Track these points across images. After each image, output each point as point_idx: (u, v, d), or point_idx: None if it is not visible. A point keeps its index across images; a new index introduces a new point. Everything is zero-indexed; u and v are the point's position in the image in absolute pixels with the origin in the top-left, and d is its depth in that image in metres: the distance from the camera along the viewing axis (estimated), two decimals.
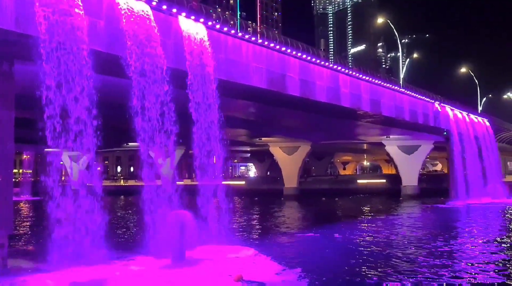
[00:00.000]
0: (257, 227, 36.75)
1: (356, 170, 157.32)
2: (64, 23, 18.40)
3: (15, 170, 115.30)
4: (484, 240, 27.33)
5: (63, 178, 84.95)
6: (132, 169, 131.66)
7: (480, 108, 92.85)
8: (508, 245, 25.94)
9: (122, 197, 79.47)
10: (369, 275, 18.06)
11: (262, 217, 45.07)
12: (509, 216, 43.97)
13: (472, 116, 71.95)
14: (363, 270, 19.15)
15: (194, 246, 20.51)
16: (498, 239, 28.34)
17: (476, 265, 19.91)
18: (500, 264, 20.06)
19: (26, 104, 18.63)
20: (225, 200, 25.26)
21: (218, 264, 19.39)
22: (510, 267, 19.51)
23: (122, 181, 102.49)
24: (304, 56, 36.72)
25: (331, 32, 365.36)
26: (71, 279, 16.30)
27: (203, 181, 25.22)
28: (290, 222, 40.24)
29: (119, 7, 21.78)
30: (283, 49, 34.38)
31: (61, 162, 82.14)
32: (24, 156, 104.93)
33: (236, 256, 21.16)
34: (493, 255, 22.45)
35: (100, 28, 21.48)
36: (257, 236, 29.93)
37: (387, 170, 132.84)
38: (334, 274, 18.25)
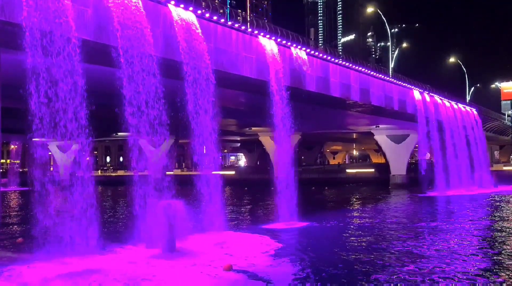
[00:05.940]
0: (247, 216, 36.88)
1: (345, 159, 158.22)
2: (51, 11, 18.11)
3: (2, 160, 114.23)
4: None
5: (51, 168, 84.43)
6: (121, 159, 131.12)
7: (468, 98, 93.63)
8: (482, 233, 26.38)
9: (112, 187, 79.11)
10: (359, 265, 18.24)
11: (253, 206, 45.22)
12: (490, 206, 44.45)
13: (460, 105, 72.57)
14: (353, 259, 19.32)
15: (185, 235, 20.53)
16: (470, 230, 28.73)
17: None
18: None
19: (13, 93, 18.39)
20: (215, 190, 25.28)
21: (208, 253, 19.45)
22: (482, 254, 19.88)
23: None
24: (294, 45, 36.63)
25: (321, 21, 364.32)
26: (61, 269, 16.27)
27: (194, 171, 25.23)
28: (279, 211, 40.30)
29: None
30: (273, 38, 34.23)
31: (50, 153, 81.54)
32: (12, 146, 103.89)
33: (227, 245, 21.24)
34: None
35: (88, 17, 21.22)
36: (247, 225, 30.04)
37: (376, 159, 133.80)
38: (324, 263, 18.40)
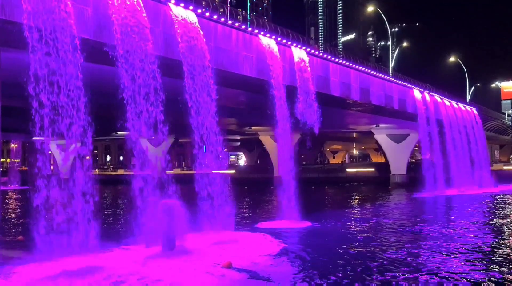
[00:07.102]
0: (248, 215, 36.85)
1: (345, 158, 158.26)
2: (51, 10, 18.11)
3: (2, 159, 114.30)
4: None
5: (51, 167, 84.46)
6: (121, 158, 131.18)
7: (468, 97, 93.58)
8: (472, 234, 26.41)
9: (112, 186, 79.15)
10: (360, 265, 18.24)
11: (253, 205, 45.23)
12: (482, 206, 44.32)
13: (460, 105, 72.55)
14: (355, 260, 19.32)
15: (185, 234, 20.52)
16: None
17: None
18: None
19: (13, 92, 18.39)
20: (216, 189, 25.30)
21: (208, 252, 19.46)
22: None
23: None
24: (295, 44, 36.61)
25: (321, 20, 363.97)
26: (62, 268, 16.26)
27: (195, 170, 25.25)
28: (280, 210, 40.34)
29: None
30: (273, 37, 34.23)
31: (50, 152, 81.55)
32: (12, 145, 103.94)
33: (227, 244, 21.24)
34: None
35: (87, 16, 21.22)
36: (247, 224, 30.01)
37: (376, 158, 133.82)
38: (325, 263, 18.41)
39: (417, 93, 58.03)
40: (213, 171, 25.65)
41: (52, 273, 15.85)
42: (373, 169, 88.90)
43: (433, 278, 15.78)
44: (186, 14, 26.14)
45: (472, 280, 15.54)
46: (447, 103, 66.71)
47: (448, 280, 15.56)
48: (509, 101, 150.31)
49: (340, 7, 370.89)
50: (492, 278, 15.68)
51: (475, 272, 16.52)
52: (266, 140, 79.15)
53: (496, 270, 16.85)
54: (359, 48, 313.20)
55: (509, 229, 28.04)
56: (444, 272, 16.53)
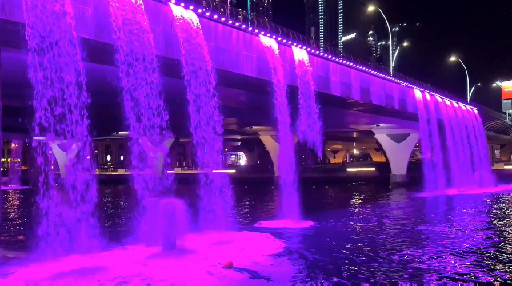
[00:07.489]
0: (248, 214, 36.82)
1: (346, 158, 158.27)
2: (51, 10, 18.08)
3: (3, 159, 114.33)
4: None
5: (52, 167, 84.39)
6: (122, 157, 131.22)
7: (469, 97, 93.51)
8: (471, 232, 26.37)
9: (112, 186, 79.13)
10: (362, 264, 18.20)
11: (253, 205, 45.20)
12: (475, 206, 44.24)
13: (461, 104, 72.53)
14: (356, 259, 19.28)
15: (185, 234, 20.50)
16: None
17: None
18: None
19: (14, 92, 18.38)
20: (216, 189, 25.28)
21: (208, 252, 19.43)
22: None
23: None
24: (295, 44, 36.58)
25: (322, 20, 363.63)
26: (62, 268, 16.25)
27: (195, 170, 25.25)
28: (280, 210, 40.29)
29: None
30: (274, 37, 34.20)
31: (50, 151, 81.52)
32: (13, 145, 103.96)
33: (227, 244, 21.22)
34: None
35: (88, 15, 21.21)
36: (248, 223, 29.99)
37: (376, 158, 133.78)
38: (327, 263, 18.38)
39: (417, 92, 57.97)
40: (214, 171, 25.62)
41: (52, 273, 15.83)
42: (373, 169, 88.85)
43: (438, 279, 15.73)
44: (186, 14, 26.12)
45: (477, 280, 15.51)
46: (448, 102, 66.68)
47: (453, 281, 15.50)
48: (509, 100, 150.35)
49: (341, 7, 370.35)
50: (498, 278, 15.65)
51: (480, 272, 16.45)
52: (267, 139, 79.10)
53: (502, 270, 16.80)
54: (359, 48, 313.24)
55: (511, 229, 28.00)
56: (449, 272, 16.48)
